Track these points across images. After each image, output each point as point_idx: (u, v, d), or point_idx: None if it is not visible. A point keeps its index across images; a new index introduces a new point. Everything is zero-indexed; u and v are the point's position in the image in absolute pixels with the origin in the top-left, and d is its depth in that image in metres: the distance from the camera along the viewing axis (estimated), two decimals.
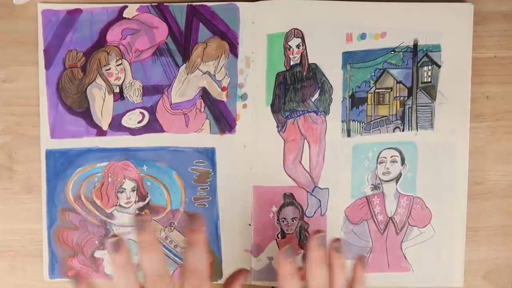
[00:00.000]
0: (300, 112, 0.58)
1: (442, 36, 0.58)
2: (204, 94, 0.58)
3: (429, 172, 0.59)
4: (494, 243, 0.60)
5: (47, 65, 0.58)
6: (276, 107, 0.58)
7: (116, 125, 0.58)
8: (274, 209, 0.59)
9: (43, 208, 0.59)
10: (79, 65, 0.58)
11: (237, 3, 0.57)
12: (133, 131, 0.58)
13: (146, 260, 0.44)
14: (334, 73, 0.58)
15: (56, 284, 0.60)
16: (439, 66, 0.58)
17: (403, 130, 0.59)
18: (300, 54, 0.57)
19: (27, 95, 0.58)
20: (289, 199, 0.59)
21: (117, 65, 0.58)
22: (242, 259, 0.59)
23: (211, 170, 0.59)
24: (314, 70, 0.58)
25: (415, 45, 0.58)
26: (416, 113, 0.58)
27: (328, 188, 0.59)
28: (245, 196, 0.59)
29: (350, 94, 0.58)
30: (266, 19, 0.57)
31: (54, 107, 0.58)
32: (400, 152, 0.59)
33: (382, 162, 0.59)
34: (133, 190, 0.59)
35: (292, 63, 0.58)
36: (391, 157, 0.59)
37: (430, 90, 0.58)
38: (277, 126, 0.58)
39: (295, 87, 0.58)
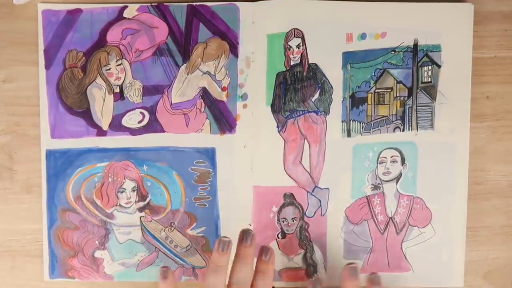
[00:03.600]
0: (300, 112, 0.58)
1: (442, 36, 0.58)
2: (204, 94, 0.58)
3: (429, 172, 0.59)
4: (494, 243, 0.60)
5: (47, 65, 0.58)
6: (276, 107, 0.58)
7: (116, 125, 0.58)
8: (274, 209, 0.59)
9: (43, 208, 0.59)
10: (79, 65, 0.58)
11: (237, 3, 0.57)
12: (133, 131, 0.58)
13: (239, 270, 0.50)
14: (334, 73, 0.58)
15: (56, 284, 0.60)
16: (439, 66, 0.58)
17: (403, 130, 0.59)
18: (300, 54, 0.57)
19: (27, 95, 0.58)
20: (289, 199, 0.59)
21: (117, 65, 0.58)
22: None
23: (211, 170, 0.59)
24: (314, 70, 0.58)
25: (415, 45, 0.58)
26: (416, 113, 0.58)
27: (328, 188, 0.59)
28: (245, 196, 0.58)
29: (350, 94, 0.58)
30: (266, 19, 0.57)
31: (54, 107, 0.58)
32: (400, 152, 0.59)
33: (382, 162, 0.59)
34: (134, 190, 0.59)
35: (292, 63, 0.58)
36: (391, 157, 0.59)
37: (430, 90, 0.58)
38: (277, 126, 0.58)
39: (295, 87, 0.58)
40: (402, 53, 0.58)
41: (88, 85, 0.58)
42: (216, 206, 0.59)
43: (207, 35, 0.58)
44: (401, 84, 0.58)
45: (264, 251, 0.52)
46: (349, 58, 0.58)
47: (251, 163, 0.58)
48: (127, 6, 0.57)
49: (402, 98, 0.58)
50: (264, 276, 0.51)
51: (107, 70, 0.58)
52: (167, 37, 0.58)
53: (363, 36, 0.58)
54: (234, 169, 0.58)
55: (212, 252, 0.51)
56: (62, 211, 0.59)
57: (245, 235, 0.51)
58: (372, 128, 0.58)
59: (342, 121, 0.58)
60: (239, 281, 0.50)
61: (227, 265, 0.51)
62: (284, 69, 0.58)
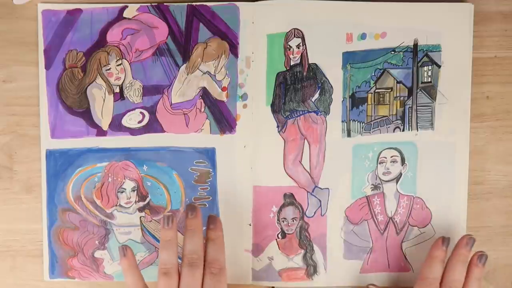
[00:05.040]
0: (300, 112, 0.58)
1: (442, 36, 0.58)
2: (204, 94, 0.58)
3: (429, 172, 0.59)
4: (494, 243, 0.60)
5: (47, 65, 0.58)
6: (276, 107, 0.58)
7: (116, 125, 0.58)
8: (274, 209, 0.59)
9: (43, 208, 0.59)
10: (79, 65, 0.58)
11: (237, 3, 0.57)
12: (133, 131, 0.58)
13: (189, 242, 0.52)
14: (334, 73, 0.58)
15: (56, 284, 0.60)
16: (439, 66, 0.58)
17: (403, 130, 0.59)
18: (300, 54, 0.57)
19: (27, 95, 0.58)
20: (289, 199, 0.59)
21: (117, 65, 0.58)
22: (242, 259, 0.59)
23: (211, 170, 0.59)
24: (314, 70, 0.58)
25: (415, 45, 0.58)
26: (416, 113, 0.58)
27: (328, 188, 0.59)
28: (245, 196, 0.59)
29: (350, 94, 0.58)
30: (266, 19, 0.57)
31: (54, 107, 0.58)
32: (400, 152, 0.59)
33: (382, 162, 0.59)
34: (133, 190, 0.59)
35: (292, 63, 0.58)
36: (391, 157, 0.59)
37: (430, 90, 0.58)
38: (277, 126, 0.58)
39: (295, 87, 0.58)
40: (402, 53, 0.58)
41: (88, 85, 0.58)
42: (216, 206, 0.59)
43: (207, 35, 0.58)
44: (401, 84, 0.58)
45: (210, 220, 0.54)
46: (349, 58, 0.58)
47: (251, 163, 0.58)
48: (127, 6, 0.57)
49: (402, 98, 0.58)
50: (214, 242, 0.52)
51: (107, 70, 0.58)
52: (167, 37, 0.58)
53: (363, 36, 0.58)
54: (234, 169, 0.58)
55: (160, 230, 0.52)
56: (62, 211, 0.59)
57: (189, 208, 0.53)
58: (372, 128, 0.58)
59: (342, 121, 0.58)
60: (191, 252, 0.51)
61: (176, 239, 0.52)
62: (284, 69, 0.58)
